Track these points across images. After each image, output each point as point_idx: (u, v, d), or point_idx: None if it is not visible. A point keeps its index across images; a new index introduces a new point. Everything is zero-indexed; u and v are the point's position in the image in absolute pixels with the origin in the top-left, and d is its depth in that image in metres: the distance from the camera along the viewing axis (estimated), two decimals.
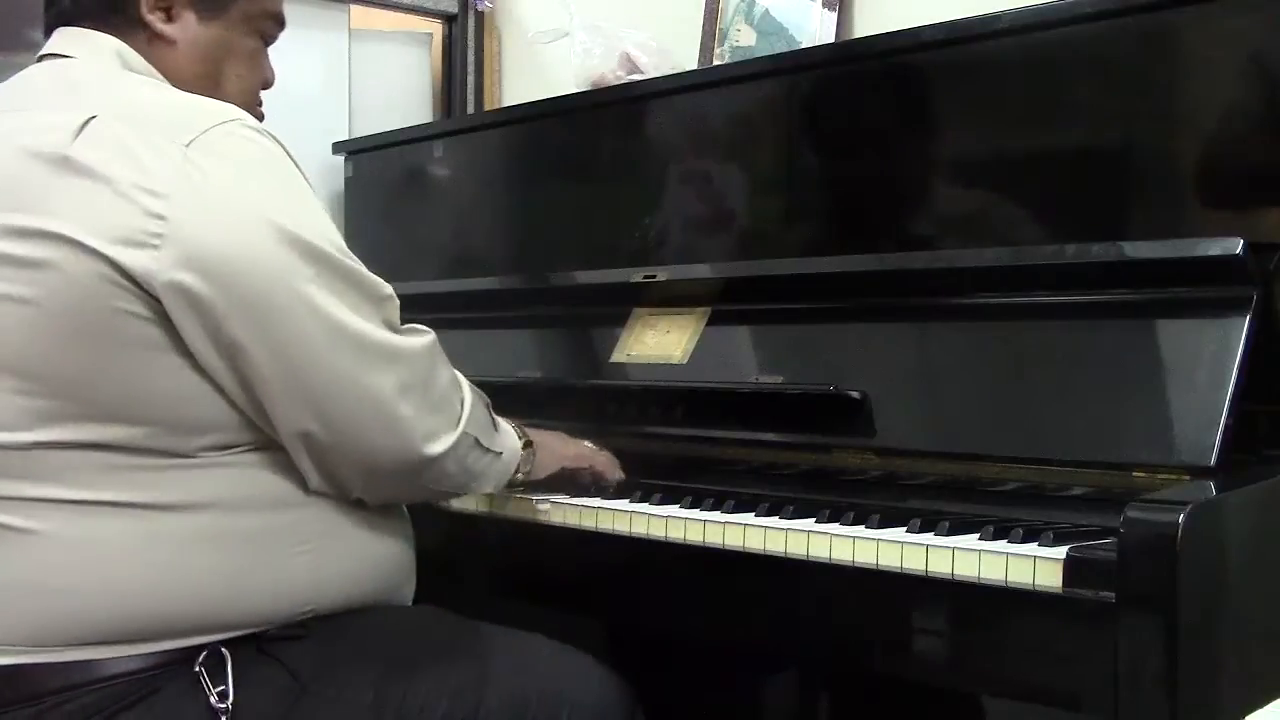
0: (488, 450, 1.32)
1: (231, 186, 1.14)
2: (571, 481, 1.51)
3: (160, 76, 1.26)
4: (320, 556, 1.21)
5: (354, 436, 1.18)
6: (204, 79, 1.29)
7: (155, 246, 1.09)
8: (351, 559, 1.24)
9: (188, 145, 1.13)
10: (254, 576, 1.17)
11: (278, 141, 1.20)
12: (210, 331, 1.12)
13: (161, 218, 1.10)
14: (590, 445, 1.54)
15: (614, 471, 1.53)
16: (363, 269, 1.21)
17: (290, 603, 1.19)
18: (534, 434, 1.44)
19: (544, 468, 1.46)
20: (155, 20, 1.26)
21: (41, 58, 1.28)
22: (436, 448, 1.23)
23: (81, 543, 1.12)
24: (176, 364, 1.13)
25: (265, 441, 1.18)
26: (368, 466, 1.21)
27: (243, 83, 1.34)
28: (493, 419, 1.35)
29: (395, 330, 1.22)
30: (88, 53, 1.24)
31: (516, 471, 1.40)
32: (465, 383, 1.31)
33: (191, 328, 1.12)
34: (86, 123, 1.13)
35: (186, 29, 1.28)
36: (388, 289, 1.23)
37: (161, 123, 1.15)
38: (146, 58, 1.26)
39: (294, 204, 1.18)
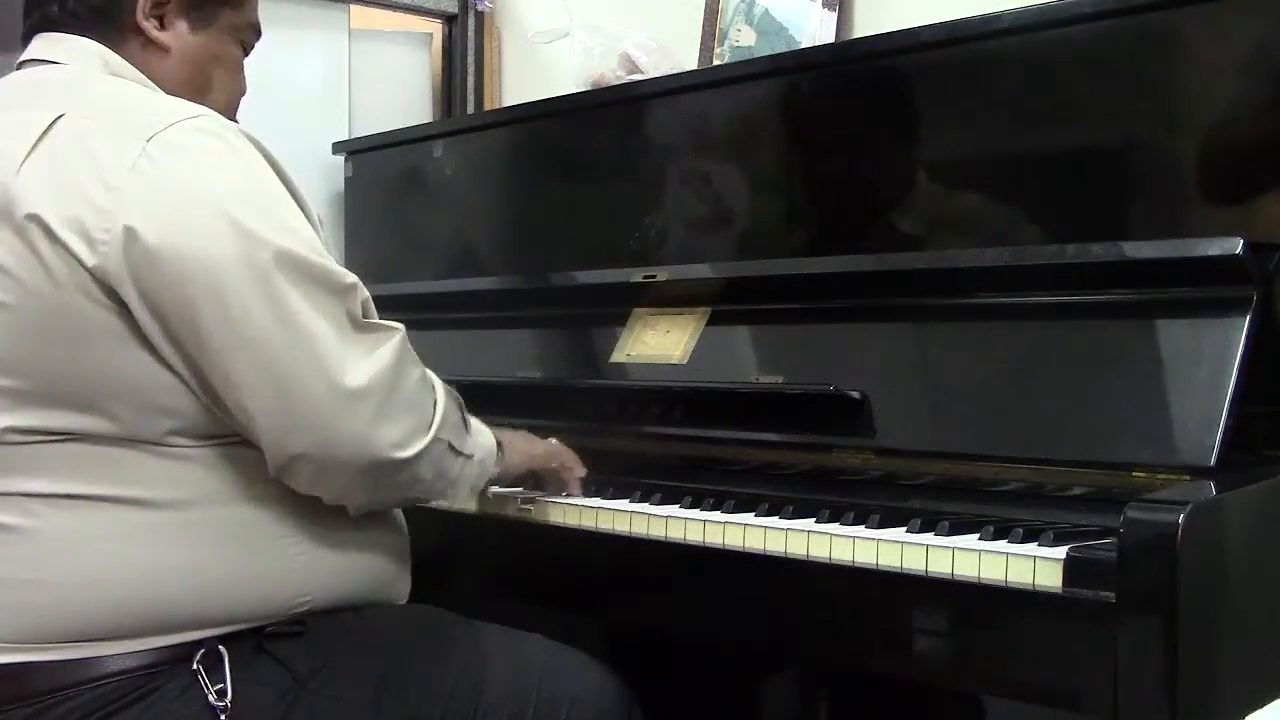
0: (460, 454, 1.27)
1: (183, 179, 1.12)
2: (537, 481, 1.49)
3: (149, 81, 1.26)
4: (312, 547, 1.20)
5: (312, 440, 1.14)
6: (193, 85, 1.30)
7: (105, 241, 1.09)
8: (344, 550, 1.23)
9: (148, 140, 1.12)
10: (246, 568, 1.17)
11: (251, 139, 1.19)
12: (162, 325, 1.12)
13: (110, 212, 1.10)
14: (555, 443, 1.50)
15: (579, 471, 1.49)
16: (324, 261, 1.16)
17: (284, 595, 1.18)
18: (500, 434, 1.39)
19: (512, 468, 1.42)
20: (149, 27, 1.27)
21: (22, 64, 1.27)
22: (405, 452, 1.18)
23: (70, 537, 1.13)
24: (141, 355, 1.12)
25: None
26: (330, 468, 1.16)
27: (228, 89, 1.35)
28: (465, 419, 1.31)
29: (358, 324, 1.17)
30: (70, 57, 1.24)
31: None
32: (438, 383, 1.26)
33: (146, 321, 1.11)
34: (54, 121, 1.14)
35: (179, 37, 1.29)
36: (350, 278, 1.18)
37: (127, 119, 1.16)
38: (138, 64, 1.26)
39: (251, 196, 1.15)
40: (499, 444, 1.38)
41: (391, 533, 1.31)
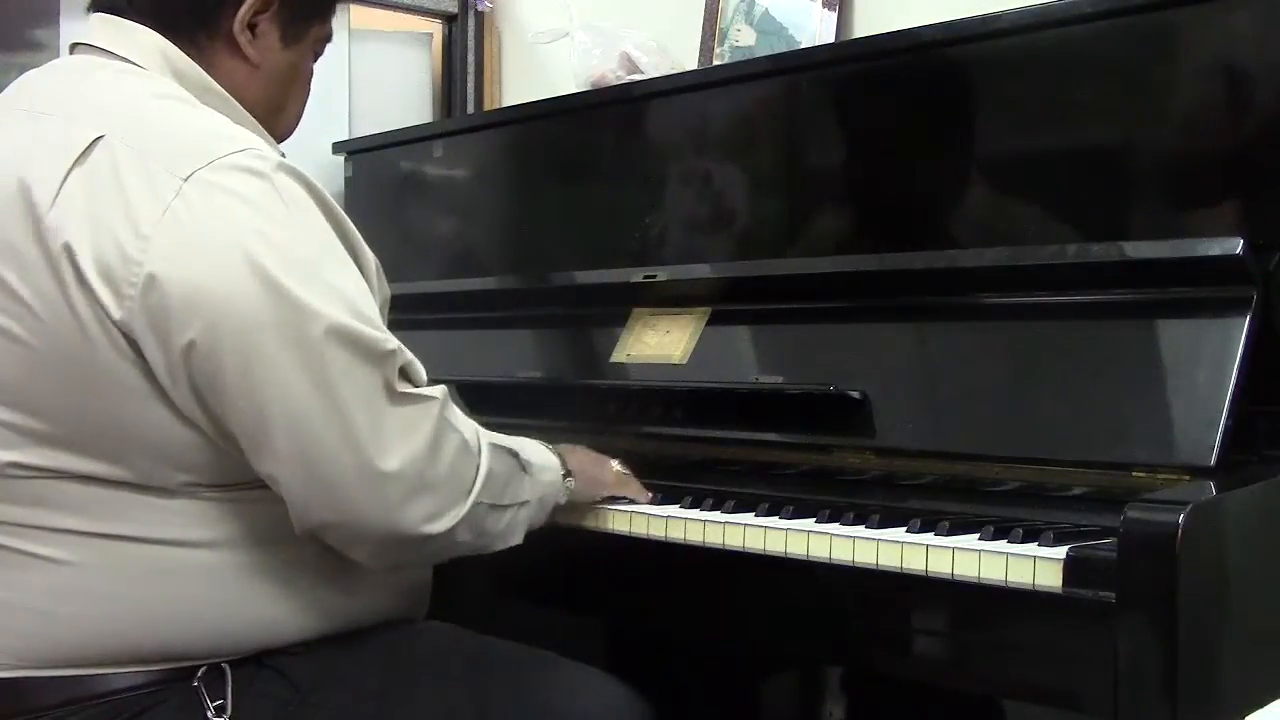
0: (506, 507, 1.23)
1: (217, 227, 1.07)
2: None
3: (213, 83, 1.21)
4: (335, 586, 1.19)
5: (337, 514, 1.11)
6: (272, 104, 1.27)
7: (131, 296, 1.05)
8: (368, 585, 1.21)
9: (186, 179, 1.07)
10: (265, 607, 1.15)
11: (300, 174, 1.13)
12: (186, 376, 1.07)
13: (139, 262, 1.05)
14: (620, 469, 1.45)
15: (642, 499, 1.43)
16: (364, 328, 1.10)
17: (302, 628, 1.17)
18: (571, 458, 1.35)
19: (581, 498, 1.37)
20: (244, 41, 1.22)
21: (74, 47, 1.22)
22: (437, 526, 1.14)
23: (86, 572, 1.10)
24: (163, 413, 1.09)
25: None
26: (355, 541, 1.14)
27: (300, 103, 1.33)
28: (522, 465, 1.26)
29: (395, 395, 1.11)
30: (129, 51, 1.18)
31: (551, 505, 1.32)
32: (484, 444, 1.20)
33: (163, 373, 1.07)
34: (92, 144, 1.09)
35: (268, 51, 1.24)
36: (390, 344, 1.12)
37: (168, 150, 1.09)
38: (219, 72, 1.21)
39: (291, 250, 1.09)
40: (567, 472, 1.33)
41: (414, 572, 1.29)
